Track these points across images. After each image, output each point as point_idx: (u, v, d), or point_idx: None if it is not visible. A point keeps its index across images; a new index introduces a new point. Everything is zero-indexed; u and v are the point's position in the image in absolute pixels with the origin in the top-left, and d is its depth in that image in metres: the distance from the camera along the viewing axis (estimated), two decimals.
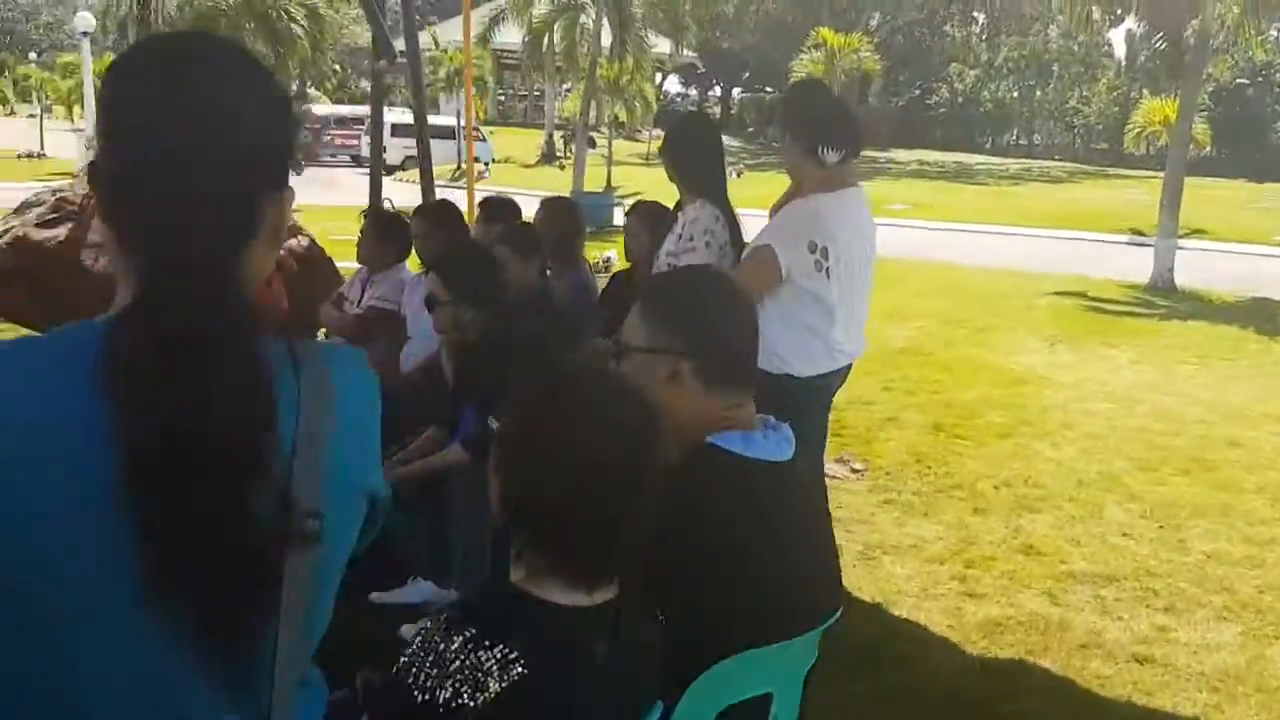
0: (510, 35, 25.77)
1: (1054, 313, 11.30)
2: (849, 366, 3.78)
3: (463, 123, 30.40)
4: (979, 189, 30.73)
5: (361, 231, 4.93)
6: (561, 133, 35.65)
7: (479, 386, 3.58)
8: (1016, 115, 50.12)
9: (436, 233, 4.52)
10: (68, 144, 23.31)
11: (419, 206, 4.87)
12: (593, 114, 33.08)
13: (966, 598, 4.15)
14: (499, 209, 5.27)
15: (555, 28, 21.15)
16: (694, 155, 4.04)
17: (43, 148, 27.89)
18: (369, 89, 8.38)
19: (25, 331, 6.90)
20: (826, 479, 5.32)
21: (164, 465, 0.96)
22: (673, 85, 59.86)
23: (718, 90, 60.64)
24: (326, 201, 15.36)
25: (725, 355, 1.86)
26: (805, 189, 3.59)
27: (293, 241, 7.06)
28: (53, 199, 6.73)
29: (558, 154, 34.10)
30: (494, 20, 23.22)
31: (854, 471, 5.66)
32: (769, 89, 49.52)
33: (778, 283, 3.48)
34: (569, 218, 4.89)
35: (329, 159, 30.06)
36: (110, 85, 1.06)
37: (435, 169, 26.23)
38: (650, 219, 4.52)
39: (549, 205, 4.93)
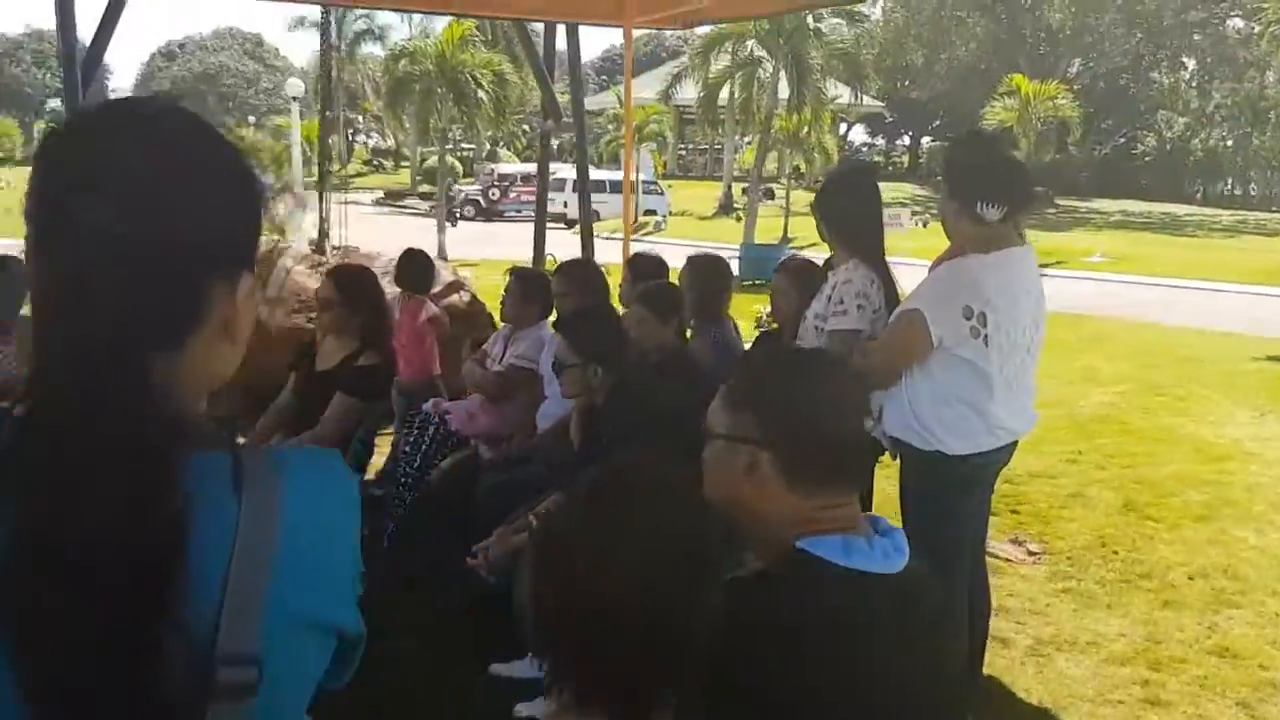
0: (692, 91, 26.11)
1: (1265, 380, 10.18)
2: (1013, 445, 3.40)
3: (634, 177, 31.24)
4: (1188, 241, 28.60)
5: (506, 289, 4.91)
6: (741, 185, 35.74)
7: (604, 452, 3.42)
8: (1230, 164, 46.61)
9: (575, 292, 4.43)
10: (279, 201, 25.22)
11: (560, 265, 4.80)
12: (773, 165, 33.05)
13: (1149, 705, 3.66)
14: (646, 266, 5.16)
15: (733, 81, 21.22)
16: (848, 211, 3.77)
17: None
18: (558, 147, 8.63)
19: None
20: (998, 560, 4.90)
21: (40, 606, 0.81)
22: (858, 134, 59.23)
23: (906, 139, 59.42)
24: (503, 255, 15.83)
25: (812, 447, 1.58)
26: (963, 248, 3.27)
27: (454, 297, 7.21)
28: None
29: (735, 206, 34.14)
30: (676, 77, 23.57)
31: (1030, 554, 5.15)
32: None
33: (928, 351, 3.17)
34: (714, 275, 4.70)
35: (514, 213, 31.18)
36: (36, 157, 0.94)
37: (611, 222, 26.71)
38: (800, 277, 4.28)
39: (695, 262, 4.76)
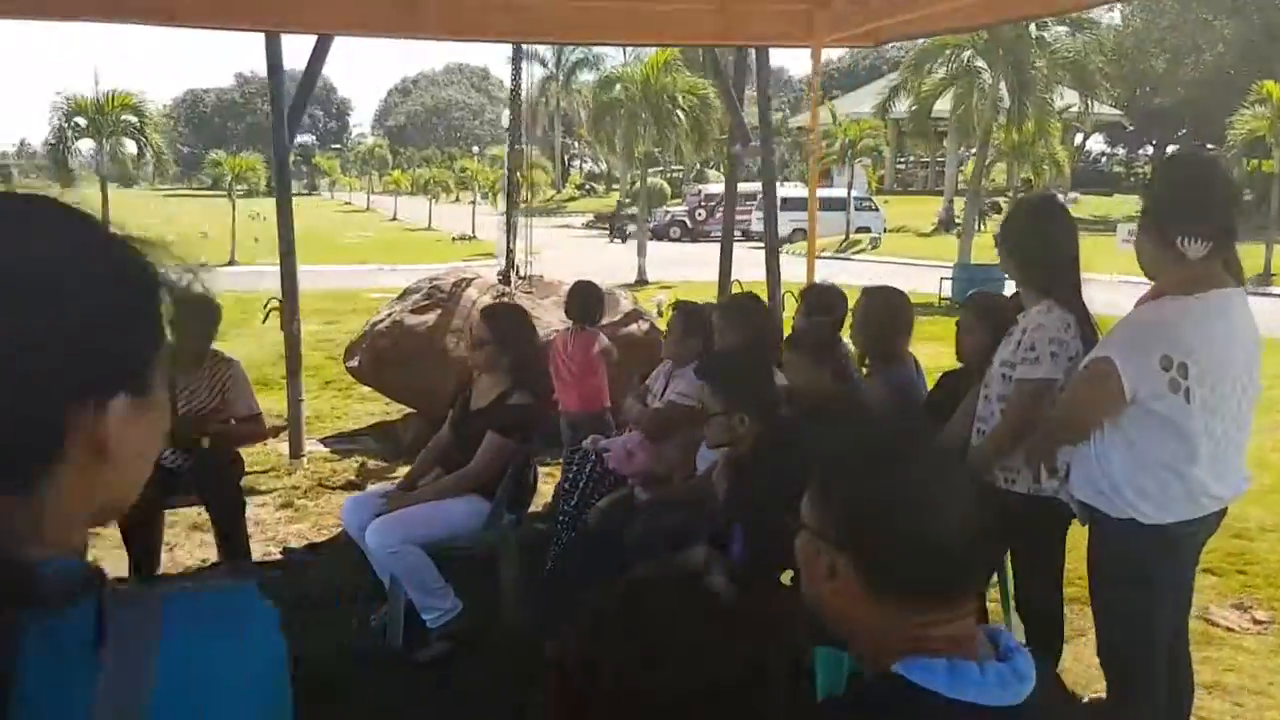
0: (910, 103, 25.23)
1: None
2: (1222, 512, 2.92)
3: (854, 193, 30.52)
4: None
5: (668, 323, 4.75)
6: (963, 199, 34.18)
7: (749, 505, 3.19)
8: None
9: (733, 329, 4.21)
10: (494, 227, 26.30)
11: (721, 301, 4.60)
12: (1000, 178, 31.38)
13: None
14: (821, 299, 4.88)
15: (949, 93, 20.30)
16: (1039, 246, 3.34)
17: (474, 231, 31.75)
18: (757, 168, 8.51)
19: (397, 406, 7.57)
20: (1217, 629, 4.30)
21: None
22: (1096, 144, 55.53)
23: (1149, 149, 55.20)
24: (703, 277, 15.74)
25: (896, 554, 1.31)
26: (1162, 288, 2.84)
27: (633, 327, 7.13)
28: (428, 286, 7.33)
29: (957, 222, 32.69)
30: (893, 90, 22.86)
31: (1256, 623, 4.48)
32: (1210, 145, 44.16)
33: (1120, 405, 2.76)
34: (891, 309, 4.36)
35: (719, 234, 31.13)
36: None
37: (823, 240, 26.06)
38: (989, 315, 3.88)
39: (870, 296, 4.44)
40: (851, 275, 20.90)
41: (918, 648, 1.29)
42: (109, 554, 4.65)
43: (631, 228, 29.67)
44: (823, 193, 32.46)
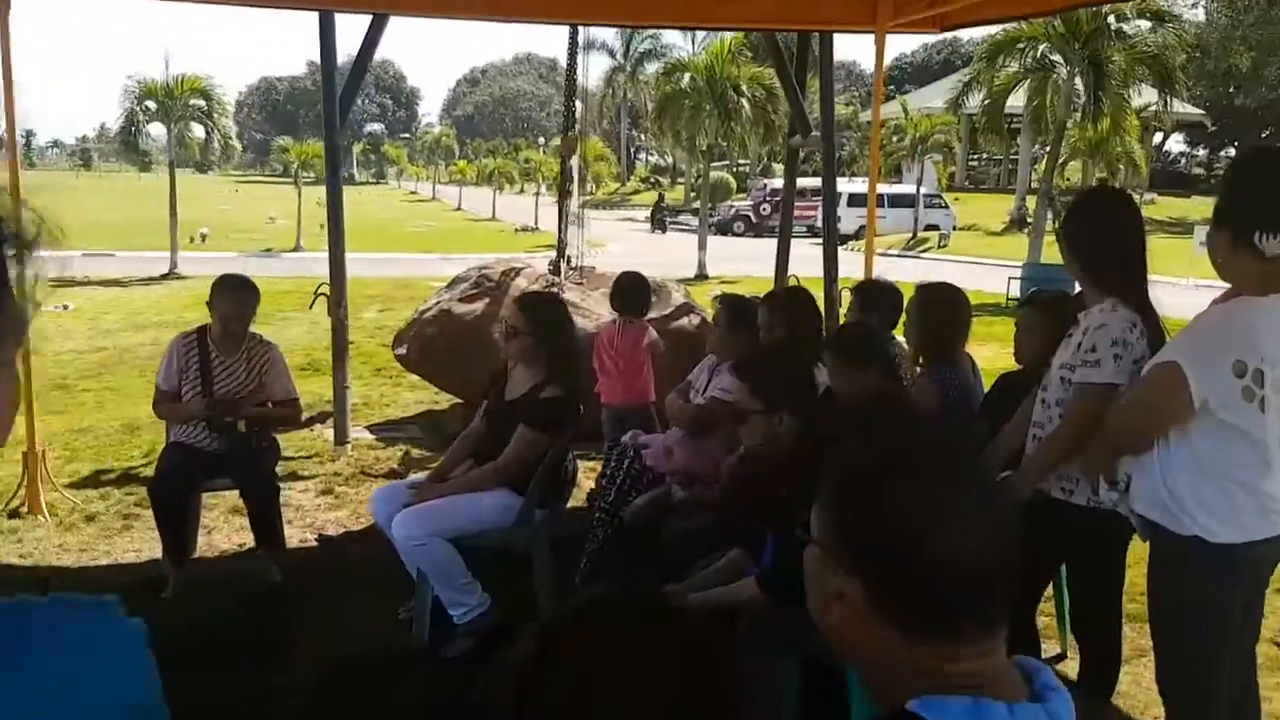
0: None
1: None
2: None
3: (924, 190, 29.93)
4: None
5: (713, 318, 4.60)
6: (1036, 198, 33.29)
7: (784, 510, 3.03)
8: None
9: (781, 324, 4.04)
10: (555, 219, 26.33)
11: (767, 294, 4.43)
12: (1075, 176, 30.50)
13: None
14: (876, 295, 4.68)
15: (1023, 88, 19.68)
16: (1102, 240, 3.13)
17: (536, 222, 31.80)
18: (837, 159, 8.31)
19: (446, 395, 7.53)
20: None
21: None
22: (1175, 144, 53.87)
23: (1231, 150, 53.35)
24: (765, 272, 15.51)
25: (912, 579, 1.14)
26: (1237, 288, 2.62)
27: (684, 320, 6.98)
28: (476, 276, 7.26)
29: (1029, 220, 31.87)
30: (966, 84, 22.29)
31: None
32: None
33: (1187, 414, 2.56)
34: (947, 307, 4.15)
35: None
36: None
37: (890, 238, 25.77)
38: (1053, 313, 3.67)
39: (927, 293, 4.23)
40: (919, 273, 20.53)
41: (937, 684, 1.12)
42: (144, 535, 4.66)
43: (687, 219, 29.57)
44: (892, 189, 31.97)
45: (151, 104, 16.47)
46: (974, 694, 1.12)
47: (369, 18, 6.58)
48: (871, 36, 6.60)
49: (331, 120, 6.67)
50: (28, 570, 4.52)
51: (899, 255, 26.64)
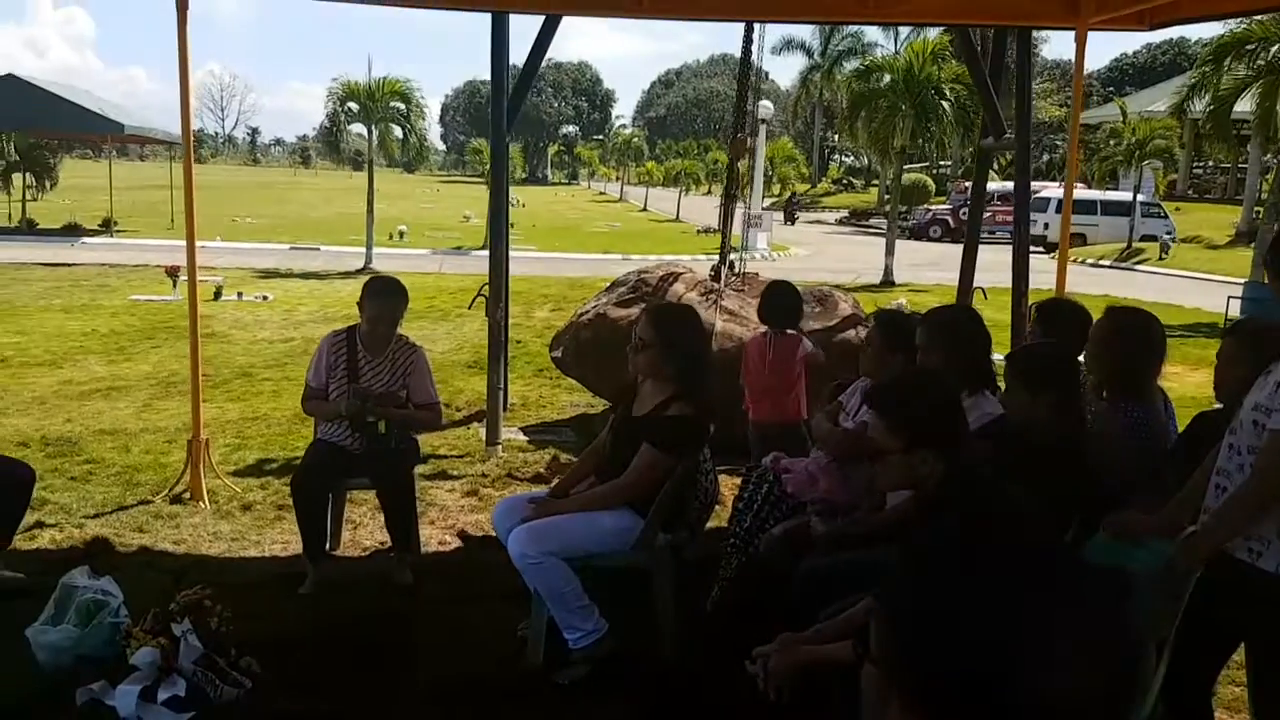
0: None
1: None
2: None
3: (1141, 198, 27.78)
4: None
5: (866, 338, 4.23)
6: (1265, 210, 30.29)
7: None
8: None
9: (940, 347, 3.64)
10: (739, 220, 26.03)
11: (928, 312, 4.01)
12: None
13: None
14: (1057, 314, 4.20)
15: (1251, 92, 17.80)
16: None
17: (720, 224, 31.59)
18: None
19: (601, 400, 7.40)
20: None
21: None
22: None
23: None
24: (955, 280, 14.70)
25: (961, 706, 0.87)
26: None
27: (850, 332, 6.59)
28: (634, 279, 7.10)
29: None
30: (1192, 87, 20.47)
31: None
32: None
33: None
34: (1141, 337, 3.65)
35: (988, 235, 29.30)
36: None
37: (1102, 247, 24.04)
38: (1257, 346, 3.14)
39: (1117, 318, 3.74)
40: (1133, 287, 19.08)
41: None
42: (293, 528, 4.72)
43: (879, 222, 28.54)
44: (1106, 195, 29.91)
45: (354, 105, 17.32)
46: None
47: (545, 19, 6.58)
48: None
49: (499, 121, 6.67)
50: (175, 558, 4.67)
51: (1111, 266, 24.86)
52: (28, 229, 23.06)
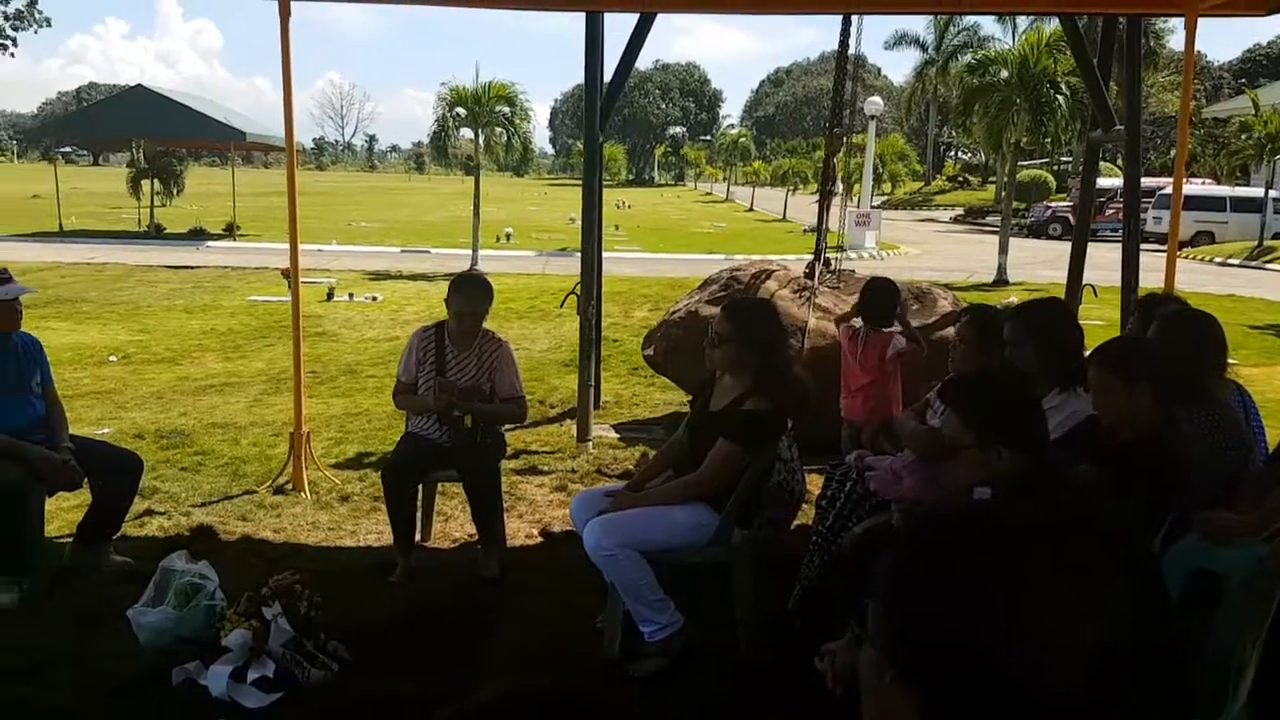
0: None
1: None
2: None
3: (1274, 194, 26.27)
4: None
5: (957, 333, 4.11)
6: None
7: None
8: None
9: (1030, 340, 3.51)
10: (847, 220, 25.58)
11: (1017, 307, 3.86)
12: None
13: None
14: (1168, 310, 4.01)
15: None
16: None
17: (827, 223, 31.14)
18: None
19: (687, 398, 7.37)
20: None
21: None
22: None
23: None
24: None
25: (986, 704, 0.83)
26: None
27: (948, 330, 6.40)
28: (726, 277, 7.06)
29: None
30: None
31: None
32: None
33: None
34: (1199, 340, 3.47)
35: (1110, 233, 28.17)
36: None
37: (1231, 245, 22.92)
38: None
39: (1171, 324, 3.57)
40: (1262, 287, 18.06)
41: None
42: (383, 521, 4.83)
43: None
44: (1235, 191, 28.40)
45: (461, 110, 17.67)
46: None
47: (640, 18, 6.59)
48: (1200, 21, 5.76)
49: (591, 121, 6.72)
50: (273, 546, 4.84)
51: (1241, 265, 23.59)
52: (155, 233, 24.27)
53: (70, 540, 4.57)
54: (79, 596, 4.19)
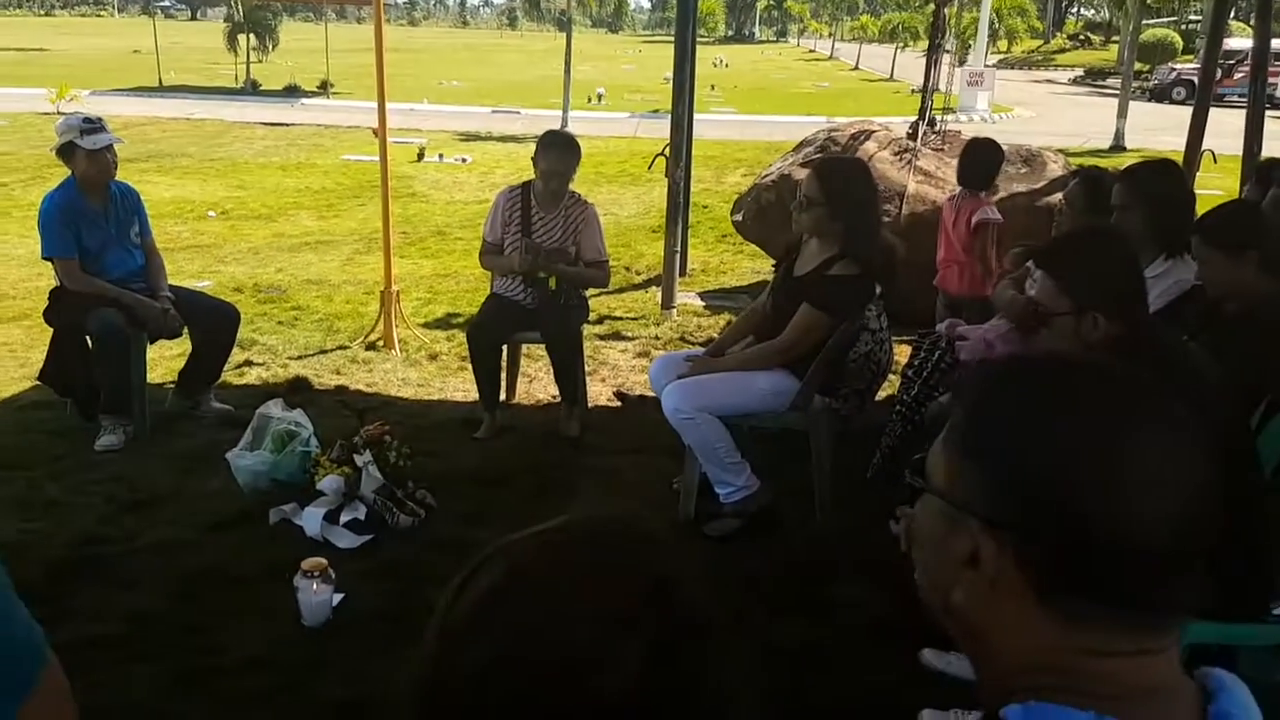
0: None
1: None
2: None
3: None
4: None
5: (1065, 197, 3.90)
6: None
7: None
8: None
9: (1140, 204, 3.30)
10: (959, 79, 24.33)
11: (1128, 169, 3.61)
12: None
13: None
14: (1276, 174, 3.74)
15: None
16: None
17: (938, 82, 29.72)
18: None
19: (767, 262, 7.23)
20: None
21: None
22: None
23: None
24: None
25: (1095, 543, 0.82)
26: None
27: (1057, 196, 6.10)
28: (822, 138, 6.80)
29: None
30: None
31: None
32: None
33: None
34: None
35: (1238, 99, 26.30)
36: None
37: None
38: None
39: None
40: None
41: (1061, 683, 0.84)
42: (470, 380, 4.91)
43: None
44: None
45: None
46: (1103, 712, 0.81)
47: None
48: None
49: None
50: (364, 398, 4.98)
51: None
52: (251, 90, 24.49)
53: (173, 386, 4.78)
54: (181, 439, 4.41)
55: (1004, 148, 5.24)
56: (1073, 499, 0.82)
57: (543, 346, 4.67)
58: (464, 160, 13.96)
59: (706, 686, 0.71)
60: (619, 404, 5.04)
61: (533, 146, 4.69)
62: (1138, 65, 22.94)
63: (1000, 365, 1.02)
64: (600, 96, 24.09)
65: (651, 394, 5.10)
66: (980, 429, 0.89)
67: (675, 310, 6.53)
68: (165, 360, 5.12)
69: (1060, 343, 2.68)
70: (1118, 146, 17.28)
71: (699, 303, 6.91)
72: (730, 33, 74.69)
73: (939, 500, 0.90)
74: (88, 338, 4.37)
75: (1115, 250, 2.57)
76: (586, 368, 5.03)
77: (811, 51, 60.40)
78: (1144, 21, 28.91)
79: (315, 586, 3.03)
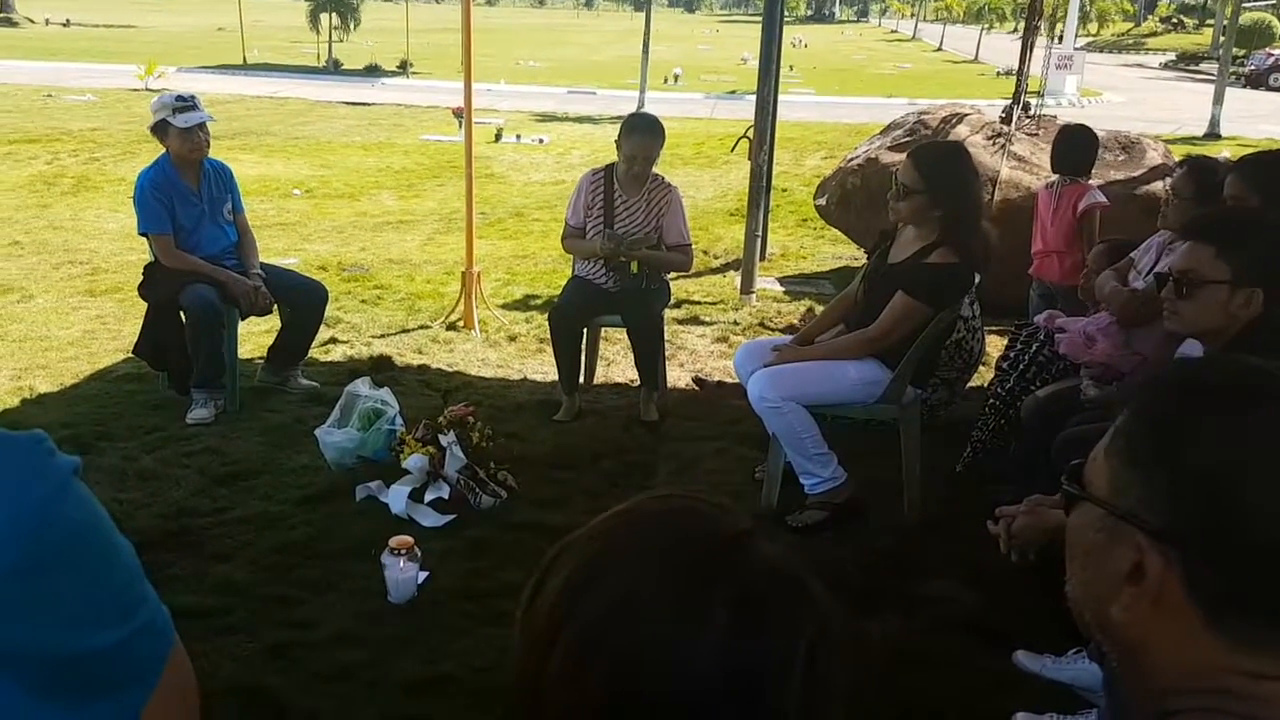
0: None
1: None
2: None
3: None
4: None
5: (1172, 186, 3.74)
6: None
7: None
8: None
9: (1255, 195, 3.14)
10: (1048, 62, 23.66)
11: (1242, 159, 3.43)
12: None
13: None
14: None
15: None
16: None
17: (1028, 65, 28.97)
18: None
19: (858, 252, 7.10)
20: None
21: None
22: None
23: None
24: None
25: (1263, 558, 0.79)
26: None
27: (1156, 184, 5.89)
28: (912, 121, 6.65)
29: None
30: None
31: None
32: None
33: None
34: None
35: None
36: None
37: None
38: None
39: None
40: None
41: (1222, 705, 0.80)
42: (553, 360, 4.91)
43: (1210, 67, 25.03)
44: None
45: None
46: None
47: None
48: None
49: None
50: (446, 377, 5.00)
51: None
52: (333, 69, 24.84)
53: (263, 362, 4.86)
54: (270, 414, 4.48)
55: (1099, 134, 5.06)
56: (1256, 517, 0.77)
57: (622, 330, 4.64)
58: (541, 141, 13.98)
59: (797, 647, 0.68)
60: (698, 390, 5.00)
61: (609, 127, 4.67)
62: (1234, 50, 22.05)
63: (1173, 372, 0.98)
64: (677, 77, 23.91)
65: (731, 380, 5.06)
66: (1153, 438, 0.85)
67: (755, 295, 6.44)
68: (255, 336, 5.21)
69: (1203, 312, 2.54)
70: (1213, 134, 16.66)
71: (779, 288, 6.81)
72: (810, 12, 73.65)
73: (1100, 510, 0.87)
74: (181, 313, 4.46)
75: (1276, 230, 2.47)
76: (666, 352, 4.99)
77: (894, 32, 59.33)
78: (1242, 4, 27.78)
79: (402, 564, 3.05)
